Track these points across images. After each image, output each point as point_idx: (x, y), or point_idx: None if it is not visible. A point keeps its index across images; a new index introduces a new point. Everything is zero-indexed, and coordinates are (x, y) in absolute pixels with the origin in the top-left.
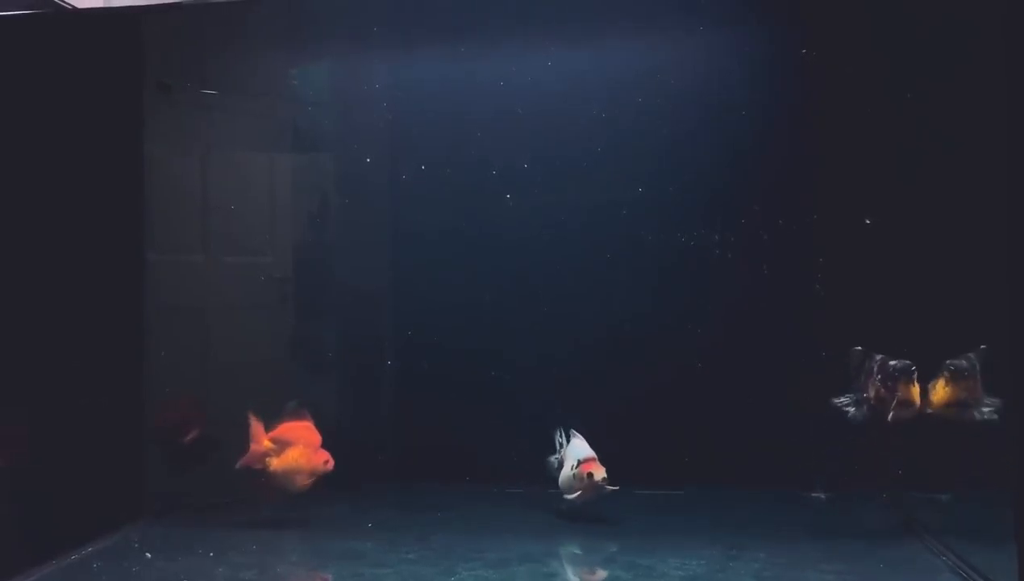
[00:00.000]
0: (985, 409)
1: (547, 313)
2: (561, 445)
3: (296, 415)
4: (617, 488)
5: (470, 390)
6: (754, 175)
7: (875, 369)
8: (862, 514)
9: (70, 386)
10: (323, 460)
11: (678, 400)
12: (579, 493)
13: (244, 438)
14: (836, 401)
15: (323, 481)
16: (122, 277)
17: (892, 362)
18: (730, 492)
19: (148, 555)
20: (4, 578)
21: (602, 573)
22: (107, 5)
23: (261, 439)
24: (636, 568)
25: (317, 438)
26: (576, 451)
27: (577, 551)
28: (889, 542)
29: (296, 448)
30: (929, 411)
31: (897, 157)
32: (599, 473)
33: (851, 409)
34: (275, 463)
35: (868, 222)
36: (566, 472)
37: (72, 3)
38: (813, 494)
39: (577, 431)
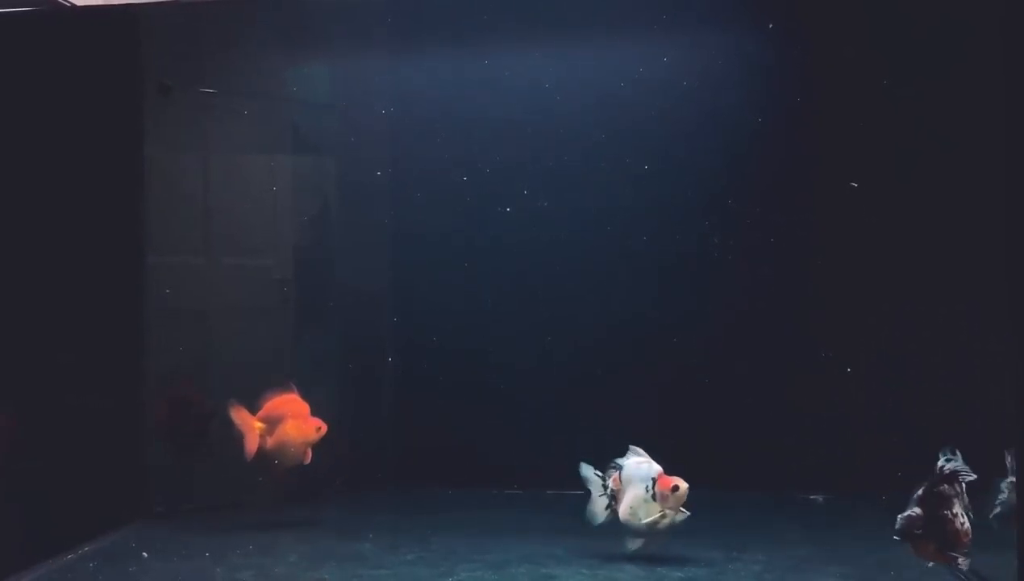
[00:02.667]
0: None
1: (547, 314)
2: (605, 477)
3: (282, 389)
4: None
5: (470, 392)
6: (753, 176)
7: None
8: (861, 517)
9: (70, 386)
10: (315, 427)
11: (678, 401)
12: (660, 516)
13: (235, 432)
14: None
15: (320, 448)
16: (121, 278)
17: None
18: (730, 494)
19: (145, 555)
20: (3, 575)
21: (602, 574)
22: (107, 3)
23: (252, 425)
24: (636, 570)
25: (305, 408)
26: (642, 470)
27: (577, 553)
28: (888, 545)
29: (287, 422)
30: None
31: (895, 156)
32: (683, 485)
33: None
34: (268, 441)
35: (855, 185)
36: (637, 496)
37: (71, 0)
38: (812, 496)
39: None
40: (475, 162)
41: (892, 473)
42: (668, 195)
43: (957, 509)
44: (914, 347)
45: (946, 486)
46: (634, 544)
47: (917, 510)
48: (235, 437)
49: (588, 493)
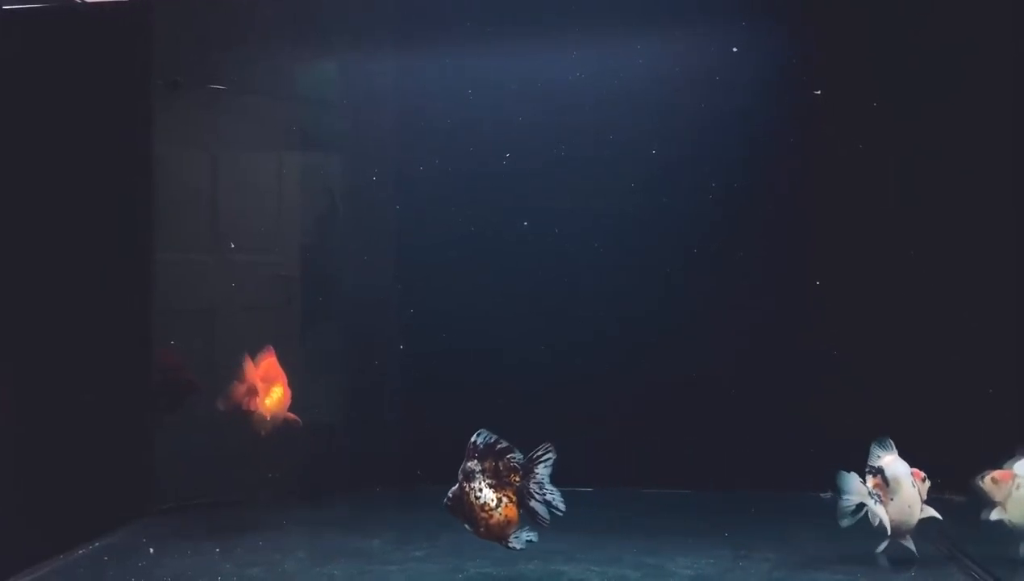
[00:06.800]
0: None
1: (554, 314)
2: (872, 477)
3: (265, 354)
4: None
5: (478, 389)
6: (759, 179)
7: None
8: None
9: (77, 383)
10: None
11: (686, 400)
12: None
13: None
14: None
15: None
16: (129, 274)
17: None
18: (738, 492)
19: (152, 551)
20: (14, 571)
21: (610, 571)
22: None
23: (253, 378)
24: (644, 567)
25: (284, 376)
26: (902, 468)
27: (585, 550)
28: (899, 543)
29: (280, 387)
30: None
31: (900, 161)
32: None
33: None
34: (263, 403)
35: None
36: (912, 494)
37: None
38: (822, 494)
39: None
40: (482, 163)
41: None
42: (671, 198)
43: (477, 483)
44: (916, 348)
45: (473, 462)
46: (907, 543)
47: (456, 486)
48: (233, 387)
49: (835, 500)
